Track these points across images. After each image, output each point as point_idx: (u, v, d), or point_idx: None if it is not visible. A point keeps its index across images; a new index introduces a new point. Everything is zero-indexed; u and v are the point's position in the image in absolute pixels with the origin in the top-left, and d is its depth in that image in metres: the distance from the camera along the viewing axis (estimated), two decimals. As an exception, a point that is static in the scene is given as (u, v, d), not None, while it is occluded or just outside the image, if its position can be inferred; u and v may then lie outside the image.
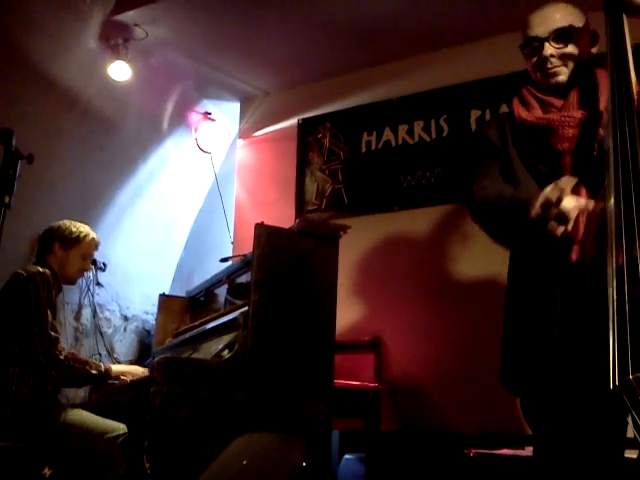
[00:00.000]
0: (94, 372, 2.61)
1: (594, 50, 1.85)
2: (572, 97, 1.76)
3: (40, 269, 2.62)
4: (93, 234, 2.87)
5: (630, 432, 1.37)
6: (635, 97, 1.53)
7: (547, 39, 1.77)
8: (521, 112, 1.83)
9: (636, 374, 1.25)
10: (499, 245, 1.90)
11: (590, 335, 1.46)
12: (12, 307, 2.54)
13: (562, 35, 1.77)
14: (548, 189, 1.55)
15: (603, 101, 1.69)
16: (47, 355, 2.48)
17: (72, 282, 2.93)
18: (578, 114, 1.73)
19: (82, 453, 2.46)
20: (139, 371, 2.81)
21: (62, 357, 2.52)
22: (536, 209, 1.55)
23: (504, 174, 1.84)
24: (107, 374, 2.67)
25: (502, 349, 1.79)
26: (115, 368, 2.76)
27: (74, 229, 2.81)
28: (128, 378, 2.72)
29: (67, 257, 2.78)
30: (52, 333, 2.55)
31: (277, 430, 2.23)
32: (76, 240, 2.79)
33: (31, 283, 2.55)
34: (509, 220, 1.71)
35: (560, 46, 1.77)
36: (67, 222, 2.84)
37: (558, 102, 1.78)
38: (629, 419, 1.27)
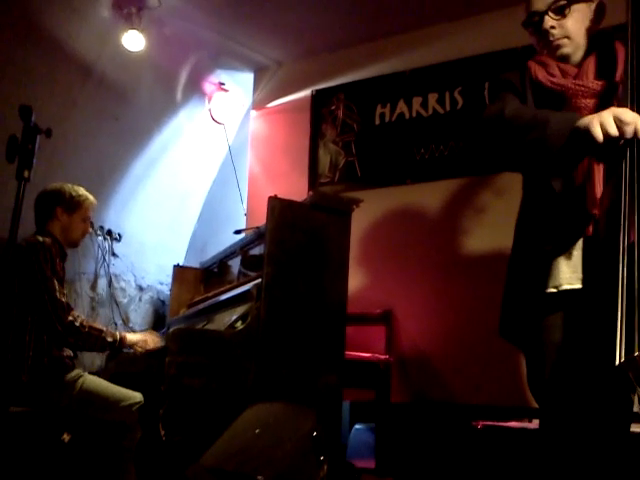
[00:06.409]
0: (109, 340, 2.64)
1: (603, 22, 1.81)
2: (587, 66, 1.73)
3: (40, 239, 2.59)
4: (90, 196, 2.85)
5: (636, 407, 1.39)
6: None
7: (546, 12, 1.75)
8: (538, 72, 1.78)
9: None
10: (511, 171, 1.85)
11: (598, 312, 1.47)
12: (20, 279, 2.54)
13: (561, 6, 1.74)
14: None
15: (620, 72, 1.66)
16: (63, 323, 2.51)
17: (76, 245, 2.89)
18: (595, 85, 1.69)
19: (99, 420, 2.52)
20: (153, 341, 2.81)
21: (78, 324, 2.55)
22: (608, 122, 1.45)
23: None
24: (122, 342, 2.70)
25: (502, 298, 1.78)
26: (130, 337, 2.77)
27: (74, 193, 2.78)
28: (141, 349, 2.75)
29: (71, 222, 2.76)
30: (63, 300, 2.56)
31: (289, 400, 2.27)
32: (78, 204, 2.77)
33: (33, 254, 2.53)
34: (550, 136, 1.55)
35: (559, 17, 1.75)
36: (66, 186, 2.79)
37: (572, 70, 1.75)
38: (634, 397, 1.28)
